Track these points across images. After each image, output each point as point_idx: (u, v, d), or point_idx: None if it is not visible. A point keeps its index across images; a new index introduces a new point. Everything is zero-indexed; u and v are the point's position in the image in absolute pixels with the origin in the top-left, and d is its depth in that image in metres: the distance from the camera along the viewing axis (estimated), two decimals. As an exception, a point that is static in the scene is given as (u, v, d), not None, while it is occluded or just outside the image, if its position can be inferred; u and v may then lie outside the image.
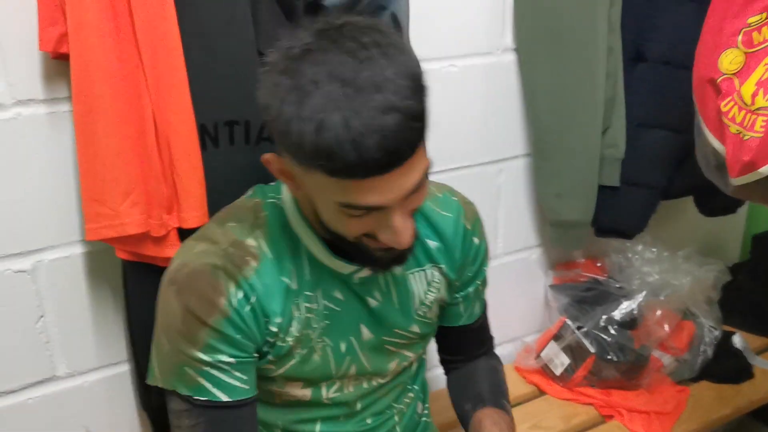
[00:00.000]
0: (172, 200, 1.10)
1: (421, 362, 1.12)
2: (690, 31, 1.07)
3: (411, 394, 1.10)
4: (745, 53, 0.90)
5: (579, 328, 1.57)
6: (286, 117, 0.70)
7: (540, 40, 1.47)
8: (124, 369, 1.28)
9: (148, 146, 1.05)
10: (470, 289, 1.05)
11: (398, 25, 1.14)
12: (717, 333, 1.70)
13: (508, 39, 1.52)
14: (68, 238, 1.16)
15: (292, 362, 0.93)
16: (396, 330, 0.98)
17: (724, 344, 1.72)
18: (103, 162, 1.02)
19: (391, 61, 0.70)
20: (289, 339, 0.90)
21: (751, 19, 0.89)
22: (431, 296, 1.00)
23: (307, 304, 0.90)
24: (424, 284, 0.99)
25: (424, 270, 0.99)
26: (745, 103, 0.88)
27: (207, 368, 0.85)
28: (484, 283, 1.09)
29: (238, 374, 0.87)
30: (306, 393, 0.97)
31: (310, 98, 0.69)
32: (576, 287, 1.72)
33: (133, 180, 1.04)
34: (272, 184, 0.95)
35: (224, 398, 0.87)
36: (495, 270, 1.76)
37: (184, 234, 1.08)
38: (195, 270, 0.85)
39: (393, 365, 1.02)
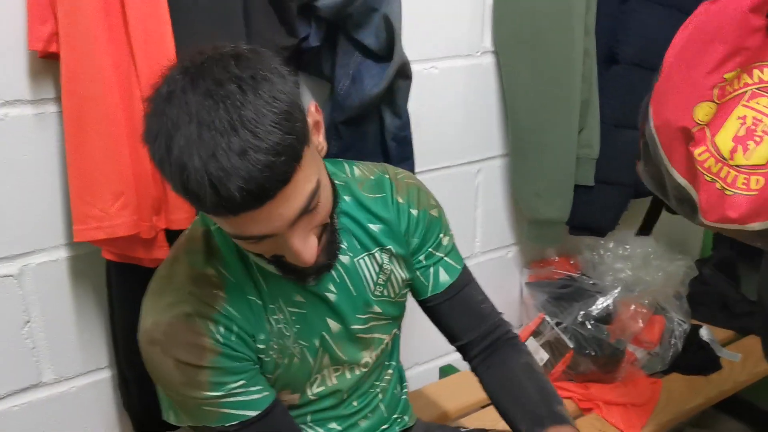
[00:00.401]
0: (160, 201, 1.09)
1: (396, 339, 1.13)
2: (660, 33, 1.11)
3: (390, 371, 1.12)
4: (717, 104, 0.95)
5: (558, 324, 1.61)
6: (158, 159, 0.72)
7: (519, 43, 1.50)
8: (110, 374, 1.26)
9: (139, 147, 1.04)
10: (421, 257, 1.04)
11: (390, 27, 1.16)
12: (686, 326, 1.75)
13: (488, 41, 1.55)
14: (54, 242, 1.14)
15: (279, 372, 0.95)
16: (358, 316, 1.00)
17: (692, 337, 1.78)
18: (93, 162, 1.01)
19: (253, 96, 0.69)
20: (272, 353, 0.93)
21: (727, 75, 0.95)
22: (383, 276, 1.01)
23: (275, 316, 0.93)
24: (376, 267, 1.00)
25: (372, 253, 0.99)
26: (723, 157, 0.95)
27: (223, 399, 0.87)
28: (445, 249, 1.06)
29: (252, 389, 0.89)
30: (294, 397, 1.00)
31: (174, 141, 0.69)
32: (552, 284, 1.76)
33: (124, 181, 1.03)
34: None
35: (253, 413, 0.89)
36: (472, 268, 1.72)
37: (171, 235, 1.08)
38: (170, 324, 0.86)
39: (368, 352, 1.03)
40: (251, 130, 0.68)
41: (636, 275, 1.72)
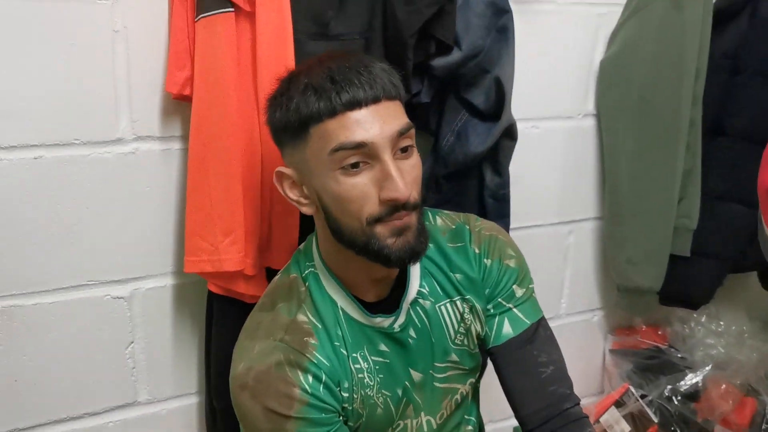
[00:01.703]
0: (266, 241, 1.14)
1: (475, 394, 1.12)
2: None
3: (470, 427, 1.10)
4: None
5: (642, 396, 1.57)
6: (282, 103, 0.86)
7: (624, 109, 1.50)
8: (198, 400, 1.31)
9: (254, 188, 1.10)
10: (490, 306, 1.01)
11: (501, 89, 1.18)
12: (779, 411, 1.67)
13: (590, 105, 1.55)
14: (164, 269, 1.20)
15: (361, 422, 0.96)
16: (436, 363, 1.00)
17: (785, 424, 1.69)
18: (210, 199, 1.07)
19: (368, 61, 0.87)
20: (354, 403, 0.94)
21: None
22: (464, 326, 1.01)
23: (356, 365, 0.93)
24: (456, 314, 1.00)
25: (453, 301, 1.00)
26: None
27: None
28: (516, 301, 1.01)
29: None
30: None
31: (299, 80, 0.85)
32: (637, 354, 1.71)
33: (236, 219, 1.08)
34: (303, 253, 0.99)
35: None
36: (556, 330, 1.72)
37: (271, 274, 1.12)
38: (261, 371, 0.88)
39: (446, 402, 1.03)
40: (370, 60, 0.87)
41: (728, 353, 1.65)
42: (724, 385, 1.60)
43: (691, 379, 1.58)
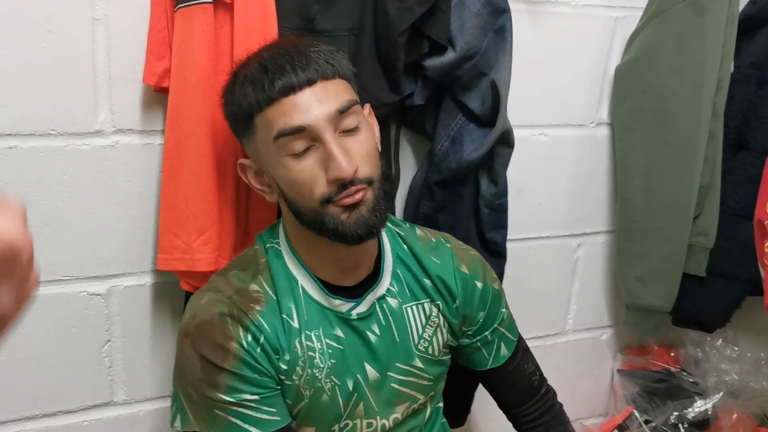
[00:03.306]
0: (242, 240, 1.11)
1: (437, 412, 1.11)
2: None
3: None
4: None
5: (647, 421, 1.49)
6: (229, 98, 0.89)
7: (639, 119, 1.42)
8: (179, 402, 1.27)
9: (229, 189, 1.06)
10: (486, 333, 1.06)
11: (497, 93, 1.12)
12: (796, 445, 1.57)
13: (604, 113, 1.48)
14: (143, 267, 1.17)
15: (302, 404, 0.94)
16: (398, 364, 0.99)
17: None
18: (184, 197, 1.03)
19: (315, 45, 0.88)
20: (296, 378, 0.93)
21: None
22: (429, 330, 1.01)
23: (309, 343, 0.93)
24: (422, 318, 1.00)
25: (421, 303, 1.00)
26: None
27: (234, 408, 0.88)
28: (505, 323, 1.09)
29: (265, 408, 0.89)
30: None
31: (240, 74, 0.87)
32: (646, 376, 1.63)
33: (210, 219, 1.04)
34: (268, 231, 1.00)
35: None
36: (561, 346, 1.71)
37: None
38: (204, 320, 0.89)
39: (402, 408, 1.01)
40: (305, 43, 0.88)
41: (743, 380, 1.56)
42: (736, 414, 1.51)
43: (700, 406, 1.50)
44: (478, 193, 1.23)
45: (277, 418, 0.90)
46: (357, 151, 0.85)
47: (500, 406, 1.15)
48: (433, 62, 1.09)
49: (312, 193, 0.85)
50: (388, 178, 0.92)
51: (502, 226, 1.26)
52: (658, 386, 1.58)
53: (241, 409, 0.88)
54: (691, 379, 1.60)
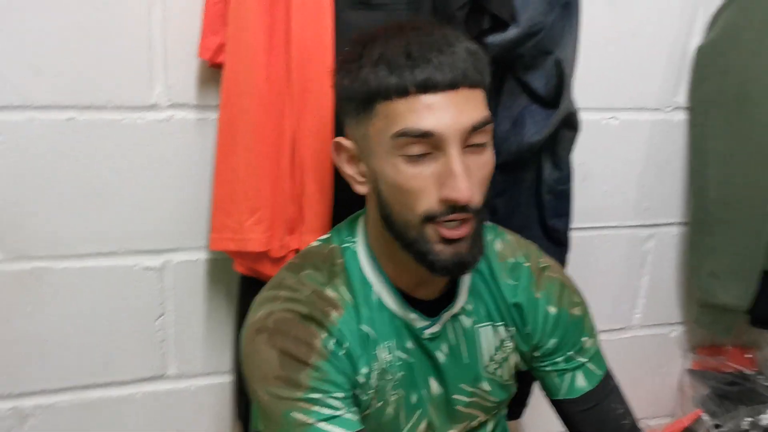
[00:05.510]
0: (296, 221, 1.08)
1: (499, 423, 1.03)
2: None
3: None
4: None
5: (716, 426, 1.41)
6: (351, 71, 0.76)
7: (720, 104, 1.33)
8: (229, 379, 1.28)
9: (283, 167, 1.04)
10: (558, 359, 0.95)
11: (561, 73, 1.06)
12: None
13: (681, 97, 1.39)
14: (197, 243, 1.17)
15: (368, 412, 0.88)
16: (463, 386, 0.92)
17: None
18: (237, 175, 1.02)
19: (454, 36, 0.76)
20: (370, 391, 0.86)
21: None
22: (501, 354, 0.94)
23: (383, 355, 0.86)
24: (496, 341, 0.93)
25: (495, 326, 0.92)
26: None
27: (316, 407, 0.79)
28: (587, 353, 0.97)
29: (352, 408, 0.81)
30: None
31: (374, 48, 0.75)
32: (718, 378, 1.55)
33: (262, 198, 1.03)
34: (347, 226, 0.91)
35: None
36: (628, 341, 1.64)
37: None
38: (283, 317, 0.81)
39: (461, 426, 0.95)
40: (456, 36, 0.76)
41: (826, 388, 1.46)
42: (815, 424, 1.41)
43: (775, 414, 1.41)
44: (539, 179, 1.17)
45: (358, 422, 0.81)
46: (477, 174, 0.77)
47: None
48: (494, 39, 1.04)
49: (416, 204, 0.76)
50: (487, 204, 0.83)
51: (564, 213, 1.19)
52: (730, 389, 1.50)
53: (323, 409, 0.79)
54: (766, 383, 1.50)
